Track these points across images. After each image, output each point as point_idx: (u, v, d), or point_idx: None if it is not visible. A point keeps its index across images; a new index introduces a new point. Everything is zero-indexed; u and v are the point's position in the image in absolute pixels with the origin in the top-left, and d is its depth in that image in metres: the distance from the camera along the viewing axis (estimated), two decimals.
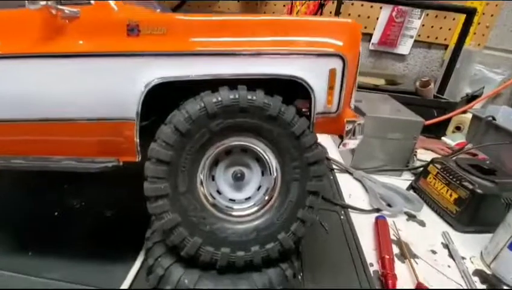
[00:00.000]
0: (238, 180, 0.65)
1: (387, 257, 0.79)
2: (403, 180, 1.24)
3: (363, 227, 0.94)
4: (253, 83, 0.59)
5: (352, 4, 1.85)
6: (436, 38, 1.91)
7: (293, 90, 0.60)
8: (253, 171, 0.66)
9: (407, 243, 0.90)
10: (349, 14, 1.89)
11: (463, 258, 0.86)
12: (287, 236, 0.62)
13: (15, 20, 0.61)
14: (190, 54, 0.58)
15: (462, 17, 1.70)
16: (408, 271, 0.79)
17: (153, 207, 0.58)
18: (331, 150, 1.41)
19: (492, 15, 1.83)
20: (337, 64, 0.58)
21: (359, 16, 1.89)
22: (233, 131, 0.59)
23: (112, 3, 0.60)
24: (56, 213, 0.85)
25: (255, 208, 0.65)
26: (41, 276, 0.66)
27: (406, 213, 1.04)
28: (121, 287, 0.65)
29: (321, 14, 1.68)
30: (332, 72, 0.58)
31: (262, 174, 0.66)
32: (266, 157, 0.63)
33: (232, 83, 0.58)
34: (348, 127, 0.62)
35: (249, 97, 0.56)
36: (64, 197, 0.91)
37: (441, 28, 1.89)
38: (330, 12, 1.76)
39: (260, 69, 0.58)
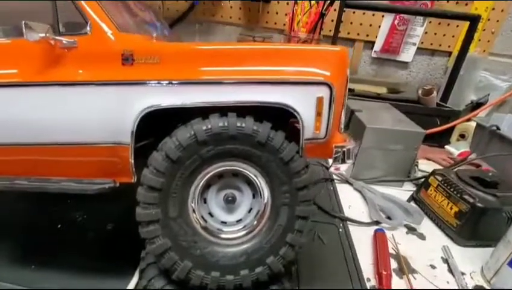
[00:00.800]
0: (230, 203, 0.66)
1: (385, 272, 0.79)
2: (404, 191, 1.23)
3: (362, 240, 0.93)
4: (244, 109, 0.60)
5: (354, 13, 1.84)
6: (440, 45, 1.88)
7: (285, 114, 0.61)
8: (244, 194, 0.67)
9: (406, 257, 0.88)
10: (351, 23, 1.88)
11: (463, 273, 0.85)
12: (276, 260, 0.63)
13: (15, 50, 0.64)
14: (181, 83, 0.60)
15: (466, 24, 1.67)
16: (406, 287, 0.78)
17: (145, 232, 0.60)
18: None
19: (497, 21, 1.80)
20: (324, 92, 0.59)
21: (361, 24, 1.88)
22: (224, 157, 0.61)
23: (109, 33, 0.62)
24: (59, 226, 0.88)
25: (245, 231, 0.66)
26: (38, 287, 0.68)
27: (405, 226, 1.02)
28: None
29: (322, 23, 1.68)
30: (319, 100, 0.59)
31: (253, 196, 0.67)
32: (257, 181, 0.64)
33: (224, 109, 0.60)
34: (337, 152, 0.63)
35: (238, 124, 0.58)
36: (67, 211, 0.94)
37: (444, 35, 1.86)
38: (332, 21, 1.76)
39: (251, 97, 0.60)
